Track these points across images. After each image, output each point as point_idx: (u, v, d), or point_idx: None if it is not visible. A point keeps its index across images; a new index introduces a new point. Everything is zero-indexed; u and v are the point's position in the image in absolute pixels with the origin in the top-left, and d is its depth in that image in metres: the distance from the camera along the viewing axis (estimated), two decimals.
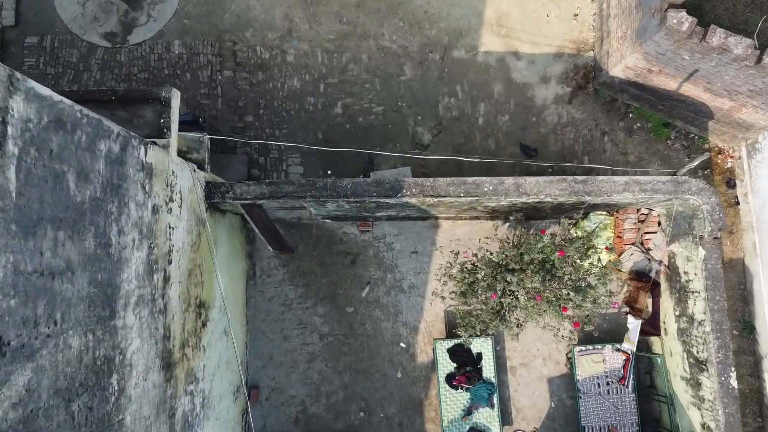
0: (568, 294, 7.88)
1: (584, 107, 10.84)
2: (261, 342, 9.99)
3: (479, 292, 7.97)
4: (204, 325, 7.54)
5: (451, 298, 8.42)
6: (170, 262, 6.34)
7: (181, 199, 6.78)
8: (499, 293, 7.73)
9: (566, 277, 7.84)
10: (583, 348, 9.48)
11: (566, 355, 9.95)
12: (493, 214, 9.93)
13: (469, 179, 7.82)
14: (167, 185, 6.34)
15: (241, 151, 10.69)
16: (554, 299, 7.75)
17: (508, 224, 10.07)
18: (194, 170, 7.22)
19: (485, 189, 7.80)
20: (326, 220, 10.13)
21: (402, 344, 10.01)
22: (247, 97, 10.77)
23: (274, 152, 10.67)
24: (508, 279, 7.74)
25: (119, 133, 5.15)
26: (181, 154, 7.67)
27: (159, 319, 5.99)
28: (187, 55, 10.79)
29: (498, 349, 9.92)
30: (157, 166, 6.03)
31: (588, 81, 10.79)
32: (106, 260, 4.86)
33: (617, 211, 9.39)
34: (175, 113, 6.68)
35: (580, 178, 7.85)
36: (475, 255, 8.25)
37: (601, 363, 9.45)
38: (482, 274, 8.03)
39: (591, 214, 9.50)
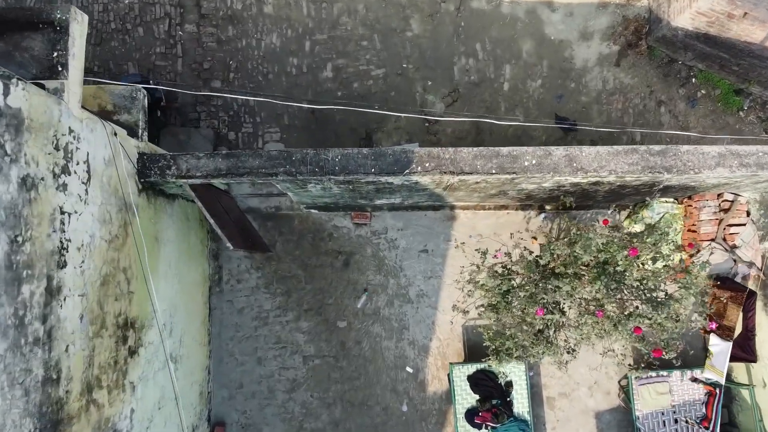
0: (637, 308, 5.73)
1: (635, 70, 8.67)
2: (228, 366, 7.82)
3: (515, 304, 5.80)
4: (134, 353, 5.38)
5: (479, 314, 6.23)
6: (62, 266, 4.18)
7: (88, 172, 4.62)
8: (546, 307, 5.57)
9: (637, 286, 5.69)
10: (643, 375, 7.31)
11: (619, 383, 7.79)
12: (525, 203, 7.76)
13: (504, 150, 5.65)
14: (57, 149, 4.18)
15: (205, 124, 8.53)
16: (622, 316, 5.58)
17: (543, 215, 7.92)
18: (115, 134, 5.05)
19: (526, 163, 5.63)
20: (312, 210, 7.97)
21: (408, 369, 7.85)
22: (215, 58, 8.61)
23: (248, 126, 8.51)
24: (556, 287, 5.57)
25: None
26: (105, 114, 5.53)
27: (34, 354, 3.82)
28: (139, 6, 8.63)
29: (532, 375, 7.75)
30: (33, 117, 3.87)
31: (640, 37, 8.62)
32: None
33: (690, 198, 7.22)
34: (76, 45, 4.52)
35: (656, 148, 5.69)
36: (508, 254, 6.07)
37: (666, 395, 7.30)
38: (521, 280, 5.86)
39: (654, 201, 7.33)
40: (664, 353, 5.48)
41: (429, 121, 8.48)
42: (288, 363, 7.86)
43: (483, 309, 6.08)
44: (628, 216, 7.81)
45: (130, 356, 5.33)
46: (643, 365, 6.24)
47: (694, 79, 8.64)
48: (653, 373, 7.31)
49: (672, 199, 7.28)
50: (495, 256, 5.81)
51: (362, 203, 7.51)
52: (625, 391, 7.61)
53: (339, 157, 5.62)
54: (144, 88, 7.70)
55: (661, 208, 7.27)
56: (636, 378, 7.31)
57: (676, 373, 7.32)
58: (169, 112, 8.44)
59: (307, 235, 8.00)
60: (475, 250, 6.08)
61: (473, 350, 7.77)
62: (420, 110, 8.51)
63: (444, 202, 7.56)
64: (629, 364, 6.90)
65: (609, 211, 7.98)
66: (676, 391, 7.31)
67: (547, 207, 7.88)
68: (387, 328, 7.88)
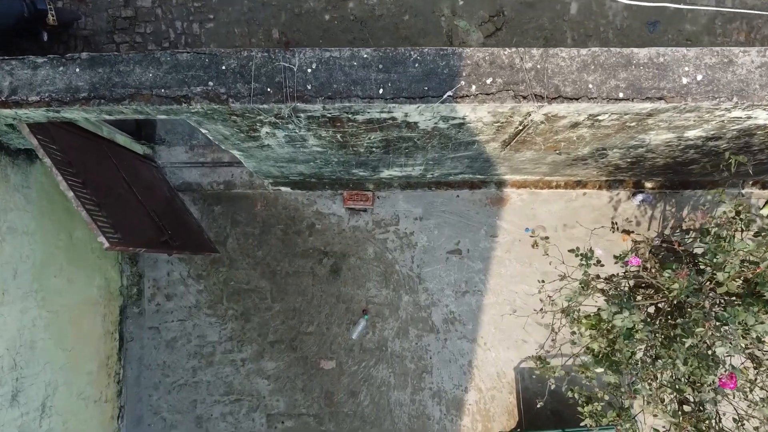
0: None
1: None
2: (152, 430, 5.04)
3: (653, 355, 3.02)
4: None
5: (577, 370, 3.38)
6: None
7: None
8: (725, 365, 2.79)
9: None
10: None
11: None
12: (615, 177, 4.99)
13: (641, 53, 2.89)
14: None
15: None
16: None
17: (640, 197, 5.13)
18: None
19: (684, 80, 2.85)
20: (281, 188, 5.18)
21: None
22: None
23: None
24: (741, 325, 2.79)
25: None
26: None
27: None
28: None
29: None
30: None
31: None
32: None
33: None
34: None
35: None
36: (643, 254, 3.27)
37: None
38: (671, 308, 3.08)
39: None
40: None
41: None
42: (244, 425, 5.08)
43: (583, 359, 3.26)
44: None
45: None
46: None
47: None
48: None
49: None
50: (632, 261, 3.00)
51: (360, 175, 4.72)
52: None
53: (315, 65, 2.83)
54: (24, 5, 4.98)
55: None
56: None
57: None
58: (70, 41, 5.64)
59: (275, 227, 5.21)
60: (569, 251, 3.28)
61: (533, 407, 4.99)
62: (447, 42, 5.73)
63: (490, 173, 4.78)
64: None
65: (740, 191, 5.21)
66: None
67: (647, 184, 5.10)
68: (398, 372, 5.10)
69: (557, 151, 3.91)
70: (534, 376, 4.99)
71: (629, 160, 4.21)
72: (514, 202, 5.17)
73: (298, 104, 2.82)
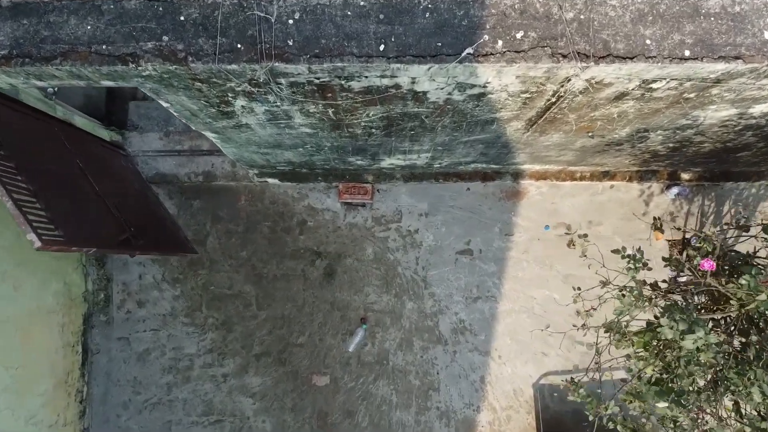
0: None
1: None
2: None
3: (714, 381, 2.41)
4: None
5: (624, 399, 2.77)
6: None
7: None
8: None
9: None
10: None
11: None
12: (648, 167, 4.38)
13: (711, 1, 2.26)
14: None
15: None
16: None
17: (675, 191, 4.53)
18: None
19: (766, 35, 2.24)
20: (268, 180, 4.57)
21: None
22: None
23: None
24: None
25: None
26: None
27: None
28: None
29: None
30: None
31: None
32: None
33: None
34: None
35: None
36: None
37: None
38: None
39: None
40: None
41: None
42: None
43: (635, 386, 2.64)
44: None
45: None
46: None
47: None
48: None
49: None
50: (705, 265, 2.38)
51: (357, 164, 4.11)
52: None
53: (298, 15, 2.23)
54: None
55: None
56: None
57: None
58: None
59: (261, 224, 4.60)
60: (613, 251, 2.67)
61: (554, 428, 4.39)
62: None
63: (506, 162, 4.17)
64: None
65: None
66: None
67: (684, 176, 4.50)
68: (401, 389, 4.49)
69: (590, 134, 3.30)
70: (556, 394, 4.39)
71: (672, 145, 3.60)
72: (533, 195, 4.57)
73: (277, 64, 2.22)
